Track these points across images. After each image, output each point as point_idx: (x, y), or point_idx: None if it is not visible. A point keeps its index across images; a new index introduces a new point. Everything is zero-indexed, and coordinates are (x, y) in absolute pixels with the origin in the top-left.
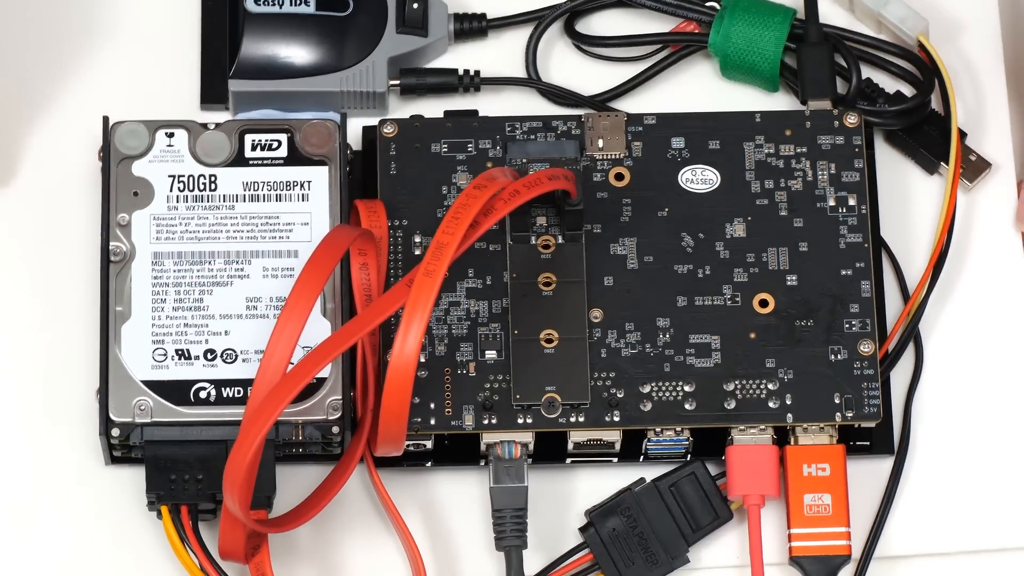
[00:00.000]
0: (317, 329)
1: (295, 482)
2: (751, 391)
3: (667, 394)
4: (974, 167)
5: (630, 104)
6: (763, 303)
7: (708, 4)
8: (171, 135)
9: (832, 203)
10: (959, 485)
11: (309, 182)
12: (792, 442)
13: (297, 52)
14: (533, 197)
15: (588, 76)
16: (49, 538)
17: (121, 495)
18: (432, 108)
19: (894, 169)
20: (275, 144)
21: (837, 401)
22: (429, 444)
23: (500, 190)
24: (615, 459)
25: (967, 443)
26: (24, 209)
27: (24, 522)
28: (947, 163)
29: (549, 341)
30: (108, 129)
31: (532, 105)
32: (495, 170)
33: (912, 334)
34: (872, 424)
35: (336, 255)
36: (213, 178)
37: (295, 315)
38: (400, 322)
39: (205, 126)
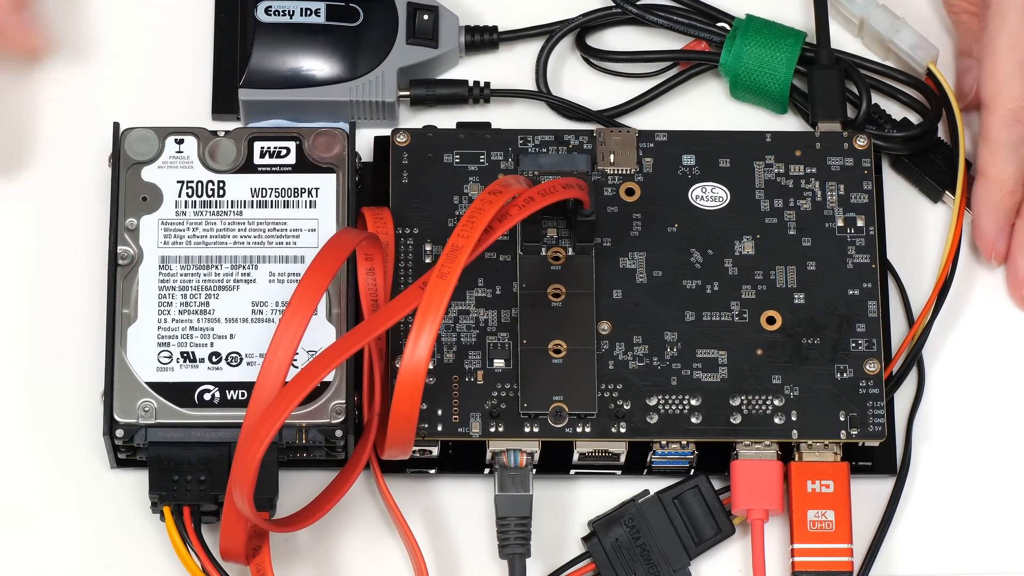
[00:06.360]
0: (322, 333)
1: (298, 488)
2: (757, 406)
3: (673, 407)
4: None
5: (638, 120)
6: (770, 320)
7: (719, 24)
8: (180, 141)
9: (840, 224)
10: (959, 508)
11: (317, 189)
12: (797, 458)
13: (307, 62)
14: (547, 204)
15: (597, 91)
16: (52, 540)
17: (124, 498)
18: (442, 119)
19: (900, 194)
20: (284, 151)
21: (842, 419)
22: (435, 451)
23: (515, 196)
24: (619, 472)
25: (968, 466)
26: (34, 211)
27: (27, 524)
28: (951, 192)
29: (557, 351)
30: (119, 135)
31: (541, 118)
32: (509, 177)
33: (915, 358)
34: (877, 443)
35: (340, 257)
36: (221, 184)
37: (299, 313)
38: (413, 322)
39: (215, 133)
